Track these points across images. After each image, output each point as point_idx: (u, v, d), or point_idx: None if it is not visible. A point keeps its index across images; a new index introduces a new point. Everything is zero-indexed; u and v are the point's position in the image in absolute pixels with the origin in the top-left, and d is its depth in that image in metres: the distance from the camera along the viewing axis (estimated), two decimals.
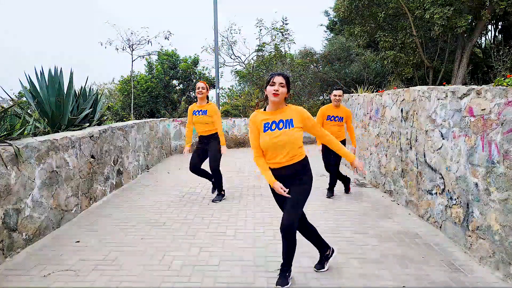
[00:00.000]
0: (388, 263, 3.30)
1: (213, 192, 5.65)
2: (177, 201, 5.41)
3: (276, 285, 2.88)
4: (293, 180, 2.86)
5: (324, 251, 3.19)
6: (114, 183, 6.02)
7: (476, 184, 3.34)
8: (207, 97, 5.39)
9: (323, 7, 38.34)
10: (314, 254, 3.49)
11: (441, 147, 4.02)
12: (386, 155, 5.75)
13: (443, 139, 3.97)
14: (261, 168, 2.90)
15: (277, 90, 2.73)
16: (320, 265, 3.19)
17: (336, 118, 5.43)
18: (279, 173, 2.85)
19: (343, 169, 7.91)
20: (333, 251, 3.26)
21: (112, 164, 5.96)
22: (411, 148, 4.81)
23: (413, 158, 4.74)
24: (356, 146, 5.70)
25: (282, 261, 2.97)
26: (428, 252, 3.53)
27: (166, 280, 3.02)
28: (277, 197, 2.96)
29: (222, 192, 5.49)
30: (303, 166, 2.89)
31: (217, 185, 5.43)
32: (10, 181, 3.44)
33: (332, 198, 5.48)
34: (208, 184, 6.41)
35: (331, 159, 5.47)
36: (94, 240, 3.87)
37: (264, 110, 2.91)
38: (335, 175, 5.57)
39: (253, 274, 3.12)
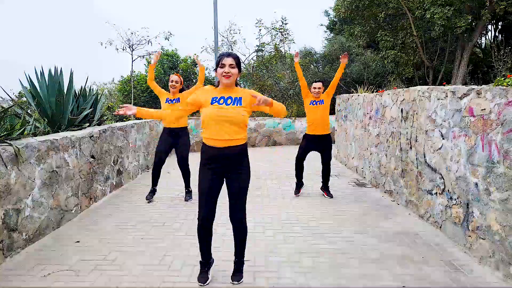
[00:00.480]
0: (388, 263, 3.30)
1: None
2: (177, 201, 5.41)
3: (234, 281, 2.91)
4: (234, 165, 2.78)
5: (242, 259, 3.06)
6: (114, 183, 6.02)
7: (476, 184, 3.34)
8: (181, 91, 5.36)
9: (323, 7, 38.36)
10: (315, 254, 3.50)
11: (441, 147, 4.02)
12: (386, 155, 5.75)
13: (443, 139, 3.97)
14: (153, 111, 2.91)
15: (227, 72, 2.69)
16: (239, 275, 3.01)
17: (318, 102, 5.39)
18: (220, 152, 2.72)
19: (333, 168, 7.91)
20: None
21: (112, 164, 5.96)
22: (411, 148, 4.81)
23: (413, 158, 4.74)
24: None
25: (235, 256, 3.02)
26: (428, 252, 3.53)
27: (166, 280, 3.02)
28: (209, 183, 2.78)
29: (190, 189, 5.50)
30: (245, 151, 2.83)
31: (188, 181, 5.45)
32: (10, 181, 3.44)
33: (331, 198, 5.47)
34: None
35: (323, 157, 5.46)
36: (94, 240, 3.87)
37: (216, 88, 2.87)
38: (328, 172, 5.55)
39: (253, 274, 3.12)
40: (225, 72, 2.70)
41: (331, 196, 5.50)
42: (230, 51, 3.02)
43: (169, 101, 5.28)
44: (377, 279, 3.02)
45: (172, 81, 5.26)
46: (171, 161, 9.32)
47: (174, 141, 5.29)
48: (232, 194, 2.85)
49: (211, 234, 2.97)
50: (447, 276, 3.05)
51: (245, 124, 2.78)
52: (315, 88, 5.44)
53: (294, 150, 7.43)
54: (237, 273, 2.99)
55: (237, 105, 2.74)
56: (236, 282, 2.92)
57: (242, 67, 16.92)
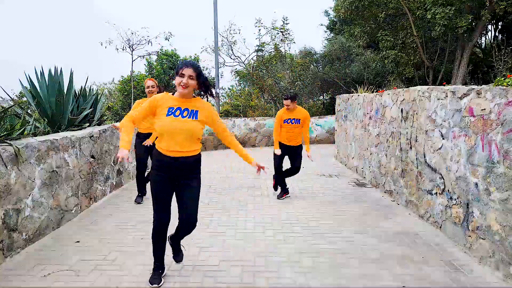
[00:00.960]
0: (388, 263, 3.30)
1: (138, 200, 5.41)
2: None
3: (153, 284, 2.91)
4: (187, 173, 2.81)
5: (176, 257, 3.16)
6: (114, 183, 6.02)
7: (476, 184, 3.34)
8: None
9: (323, 7, 38.36)
10: (315, 254, 3.50)
11: (441, 147, 4.02)
12: (386, 155, 5.75)
13: (443, 139, 3.97)
14: (124, 128, 2.81)
15: (186, 83, 2.67)
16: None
17: (293, 120, 5.29)
18: (173, 162, 2.74)
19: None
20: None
21: (112, 164, 5.96)
22: (411, 148, 4.81)
23: (413, 158, 4.74)
24: (309, 150, 5.46)
25: (174, 253, 3.11)
26: (428, 252, 3.53)
27: (166, 280, 3.02)
28: (162, 188, 2.81)
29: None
30: (198, 161, 2.86)
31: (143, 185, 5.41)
32: (10, 181, 3.43)
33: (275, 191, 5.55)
34: (207, 184, 6.42)
35: (294, 163, 5.47)
36: (94, 240, 3.87)
37: (173, 94, 2.83)
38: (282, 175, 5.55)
39: (253, 274, 3.12)
40: (183, 83, 2.67)
41: (276, 189, 5.70)
42: (190, 60, 3.00)
43: None
44: (377, 279, 3.02)
45: (148, 87, 5.21)
46: None
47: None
48: (185, 200, 2.86)
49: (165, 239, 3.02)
50: (447, 276, 3.05)
51: (199, 135, 2.79)
52: (287, 105, 5.29)
53: None
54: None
55: (192, 118, 2.74)
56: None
57: (243, 67, 16.89)
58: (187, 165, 2.79)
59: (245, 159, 3.09)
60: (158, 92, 5.30)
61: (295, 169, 5.50)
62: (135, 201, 5.31)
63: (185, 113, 2.73)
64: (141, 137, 5.27)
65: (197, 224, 2.91)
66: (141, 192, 5.40)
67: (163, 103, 2.76)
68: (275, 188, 5.80)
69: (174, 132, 2.68)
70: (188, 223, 2.88)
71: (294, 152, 5.45)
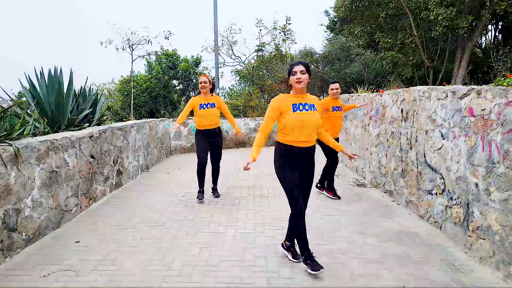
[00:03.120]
0: (388, 263, 3.30)
1: (214, 193, 5.66)
2: (177, 201, 5.41)
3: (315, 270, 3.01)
4: (308, 162, 3.17)
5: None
6: (114, 183, 6.02)
7: (476, 184, 3.34)
8: (211, 91, 5.36)
9: (324, 7, 38.37)
10: (315, 254, 3.49)
11: (441, 147, 4.02)
12: (386, 155, 5.75)
13: (443, 139, 3.97)
14: (258, 141, 3.14)
15: (299, 78, 3.02)
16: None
17: (339, 108, 5.56)
18: (299, 151, 3.09)
19: (340, 170, 7.91)
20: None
21: (112, 164, 5.96)
22: (411, 148, 4.81)
23: (413, 158, 4.74)
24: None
25: (298, 245, 3.19)
26: (428, 252, 3.53)
27: (166, 280, 3.02)
28: (293, 177, 3.10)
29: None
30: (314, 151, 3.21)
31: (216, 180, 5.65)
32: (10, 181, 3.43)
33: (334, 198, 5.46)
34: (208, 184, 6.42)
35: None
36: (94, 240, 3.87)
37: (288, 93, 3.20)
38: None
39: (253, 274, 3.12)
40: (297, 78, 3.04)
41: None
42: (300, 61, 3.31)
43: (204, 106, 5.24)
44: (377, 279, 3.02)
45: (201, 82, 5.24)
46: (171, 161, 9.33)
47: (213, 140, 5.36)
48: (306, 186, 3.27)
49: None
50: (447, 276, 3.05)
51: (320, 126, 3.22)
52: (332, 89, 5.57)
53: None
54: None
55: (312, 110, 3.12)
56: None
57: (243, 67, 16.90)
58: (312, 154, 3.21)
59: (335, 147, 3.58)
60: (211, 89, 5.34)
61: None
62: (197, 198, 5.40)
63: (306, 107, 3.10)
64: (206, 133, 5.33)
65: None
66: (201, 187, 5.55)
67: (285, 103, 3.10)
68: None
69: (302, 124, 3.05)
70: (302, 209, 3.14)
71: None
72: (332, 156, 5.48)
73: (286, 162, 3.11)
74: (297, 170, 3.13)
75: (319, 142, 5.39)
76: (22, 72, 5.36)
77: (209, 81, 5.28)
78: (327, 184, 5.60)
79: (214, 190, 5.68)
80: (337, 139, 5.54)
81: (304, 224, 3.13)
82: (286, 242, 3.45)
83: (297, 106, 3.06)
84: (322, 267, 3.02)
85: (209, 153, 5.41)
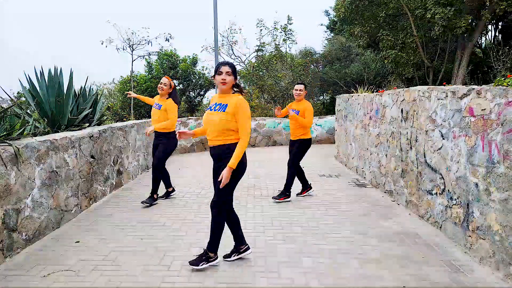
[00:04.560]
0: (388, 263, 3.30)
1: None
2: (177, 201, 5.41)
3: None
4: (219, 161, 3.13)
5: (239, 245, 3.38)
6: (114, 183, 6.02)
7: (476, 184, 3.34)
8: (171, 94, 5.24)
9: (324, 6, 38.35)
10: (315, 254, 3.49)
11: (441, 147, 4.02)
12: (386, 155, 5.75)
13: (443, 139, 3.97)
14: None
15: (224, 79, 3.07)
16: (228, 256, 3.38)
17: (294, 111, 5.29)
18: (211, 151, 3.22)
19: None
20: (247, 249, 3.41)
21: (112, 164, 5.96)
22: (411, 148, 4.81)
23: (413, 158, 4.74)
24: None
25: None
26: (428, 252, 3.53)
27: (166, 280, 3.02)
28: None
29: (155, 196, 5.26)
30: (227, 150, 3.07)
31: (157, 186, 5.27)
32: (10, 181, 3.43)
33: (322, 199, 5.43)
34: (207, 184, 6.42)
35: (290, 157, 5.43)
36: (94, 240, 3.87)
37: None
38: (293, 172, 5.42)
39: (253, 274, 3.12)
40: (222, 79, 3.08)
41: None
42: (226, 61, 3.19)
43: (155, 106, 5.28)
44: (377, 279, 3.02)
45: (161, 83, 5.23)
46: (171, 162, 9.33)
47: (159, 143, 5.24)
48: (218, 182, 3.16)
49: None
50: (447, 276, 3.05)
51: (227, 126, 3.06)
52: (296, 89, 5.36)
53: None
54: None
55: (220, 110, 3.10)
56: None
57: (243, 67, 16.90)
58: (219, 154, 3.16)
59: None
60: (169, 92, 5.29)
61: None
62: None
63: (217, 107, 3.15)
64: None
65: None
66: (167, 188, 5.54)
67: (211, 101, 3.34)
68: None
69: (207, 123, 3.21)
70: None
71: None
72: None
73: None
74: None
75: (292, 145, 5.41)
76: (23, 70, 5.35)
77: (169, 85, 5.24)
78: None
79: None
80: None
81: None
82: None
83: (213, 106, 3.17)
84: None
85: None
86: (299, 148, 5.35)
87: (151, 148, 5.65)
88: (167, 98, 5.25)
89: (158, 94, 5.41)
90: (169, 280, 3.02)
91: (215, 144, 3.13)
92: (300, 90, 5.34)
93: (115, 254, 3.52)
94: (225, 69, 3.08)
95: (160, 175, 5.26)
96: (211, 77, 3.31)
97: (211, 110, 3.17)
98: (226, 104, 3.08)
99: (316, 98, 18.76)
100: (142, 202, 5.14)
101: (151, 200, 5.17)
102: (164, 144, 5.17)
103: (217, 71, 3.10)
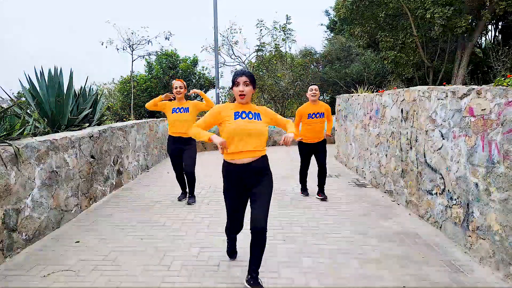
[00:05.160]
0: (388, 263, 3.29)
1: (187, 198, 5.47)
2: (177, 201, 5.41)
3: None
4: (258, 176, 2.83)
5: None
6: (114, 183, 6.02)
7: (476, 184, 3.34)
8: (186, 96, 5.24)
9: (324, 6, 38.34)
10: (315, 254, 3.49)
11: (441, 147, 4.02)
12: (386, 155, 5.75)
13: (443, 139, 3.97)
14: (197, 132, 2.83)
15: (242, 91, 2.81)
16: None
17: (317, 114, 5.31)
18: (242, 167, 2.79)
19: (332, 167, 7.90)
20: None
21: (112, 164, 5.96)
22: (411, 148, 4.81)
23: (413, 158, 4.74)
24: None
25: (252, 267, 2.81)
26: (428, 252, 3.53)
27: (166, 280, 3.02)
28: (236, 196, 2.92)
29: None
30: (266, 163, 2.90)
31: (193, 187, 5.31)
32: (10, 181, 3.43)
33: (326, 200, 5.37)
34: (207, 184, 6.42)
35: (319, 158, 5.42)
36: (94, 240, 3.87)
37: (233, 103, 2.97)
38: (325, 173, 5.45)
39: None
40: (240, 91, 2.81)
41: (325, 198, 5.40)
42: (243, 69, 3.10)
43: (177, 110, 5.06)
44: (377, 279, 3.02)
45: (176, 87, 5.10)
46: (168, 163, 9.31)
47: (183, 148, 5.14)
48: (258, 200, 2.85)
49: None
50: (447, 276, 3.05)
51: (266, 137, 2.89)
52: (311, 90, 5.35)
53: (294, 150, 7.36)
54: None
55: (257, 120, 2.85)
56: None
57: (243, 67, 16.90)
58: (260, 168, 2.88)
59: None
60: (185, 94, 5.20)
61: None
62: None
63: (250, 115, 2.87)
64: (177, 140, 5.15)
65: (262, 231, 2.83)
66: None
67: (227, 109, 2.88)
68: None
69: (244, 133, 2.78)
70: (255, 224, 2.81)
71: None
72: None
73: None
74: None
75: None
76: (23, 70, 5.34)
77: (184, 86, 5.17)
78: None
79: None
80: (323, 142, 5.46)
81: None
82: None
83: (244, 114, 2.83)
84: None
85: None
86: (325, 146, 5.48)
87: (151, 149, 5.61)
88: (185, 100, 5.20)
89: (154, 98, 5.27)
90: (169, 280, 3.02)
91: (257, 156, 2.81)
92: (316, 90, 5.35)
93: (115, 254, 3.52)
94: (242, 79, 2.81)
95: (194, 176, 5.24)
96: (229, 88, 3.03)
97: (243, 118, 2.81)
98: (258, 113, 2.89)
99: None
100: (189, 204, 5.18)
101: (194, 199, 5.29)
102: (192, 149, 5.15)
103: (234, 82, 2.84)
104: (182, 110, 5.06)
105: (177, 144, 5.12)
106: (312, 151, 5.46)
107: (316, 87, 5.42)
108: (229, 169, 2.86)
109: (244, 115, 2.82)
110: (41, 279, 3.03)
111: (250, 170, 2.81)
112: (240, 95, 2.81)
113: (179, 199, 5.41)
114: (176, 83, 5.14)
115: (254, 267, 2.81)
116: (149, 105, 5.13)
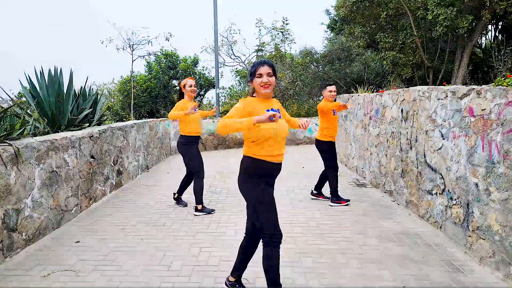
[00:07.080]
0: (388, 263, 3.29)
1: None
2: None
3: None
4: (275, 177, 2.66)
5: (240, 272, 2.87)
6: (114, 183, 6.02)
7: (476, 184, 3.34)
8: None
9: (324, 6, 38.35)
10: (315, 254, 3.49)
11: (441, 147, 4.02)
12: (386, 155, 5.75)
13: (443, 139, 3.97)
14: (231, 122, 2.41)
15: (267, 82, 2.50)
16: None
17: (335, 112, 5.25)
18: (273, 169, 2.58)
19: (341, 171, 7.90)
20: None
21: (112, 164, 5.96)
22: (411, 148, 4.81)
23: (413, 158, 4.74)
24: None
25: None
26: (428, 252, 3.53)
27: (166, 280, 3.02)
28: (269, 197, 2.60)
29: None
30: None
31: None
32: (10, 181, 3.43)
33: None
34: (207, 184, 6.42)
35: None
36: (94, 240, 3.87)
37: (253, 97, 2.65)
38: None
39: (253, 274, 3.11)
40: (263, 82, 2.50)
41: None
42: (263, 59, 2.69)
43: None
44: (377, 279, 3.02)
45: (191, 86, 4.90)
46: (171, 162, 9.32)
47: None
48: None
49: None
50: (447, 276, 3.05)
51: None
52: (330, 91, 5.20)
53: (294, 150, 7.50)
54: None
55: (280, 118, 2.62)
56: None
57: (243, 67, 16.88)
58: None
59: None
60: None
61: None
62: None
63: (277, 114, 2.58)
64: (195, 139, 5.00)
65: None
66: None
67: (258, 106, 2.55)
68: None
69: (277, 135, 2.52)
70: (279, 232, 2.77)
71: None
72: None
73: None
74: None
75: (317, 146, 5.28)
76: (22, 69, 5.34)
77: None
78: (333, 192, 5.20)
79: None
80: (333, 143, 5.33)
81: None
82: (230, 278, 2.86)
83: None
84: None
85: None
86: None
87: (151, 149, 5.57)
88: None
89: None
90: (169, 280, 3.02)
91: (282, 158, 2.61)
92: (335, 91, 5.23)
93: (115, 254, 3.52)
94: (265, 70, 2.50)
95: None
96: (248, 82, 2.66)
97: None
98: (278, 109, 2.64)
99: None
100: (184, 205, 5.13)
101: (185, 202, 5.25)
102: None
103: (255, 74, 2.52)
104: (196, 109, 4.88)
105: (196, 144, 4.99)
106: None
107: (334, 87, 5.30)
108: (260, 166, 2.56)
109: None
110: (41, 279, 3.03)
111: (279, 170, 2.62)
112: (264, 86, 2.50)
113: (207, 211, 4.87)
114: (190, 81, 4.93)
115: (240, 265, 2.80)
116: (172, 117, 4.87)
